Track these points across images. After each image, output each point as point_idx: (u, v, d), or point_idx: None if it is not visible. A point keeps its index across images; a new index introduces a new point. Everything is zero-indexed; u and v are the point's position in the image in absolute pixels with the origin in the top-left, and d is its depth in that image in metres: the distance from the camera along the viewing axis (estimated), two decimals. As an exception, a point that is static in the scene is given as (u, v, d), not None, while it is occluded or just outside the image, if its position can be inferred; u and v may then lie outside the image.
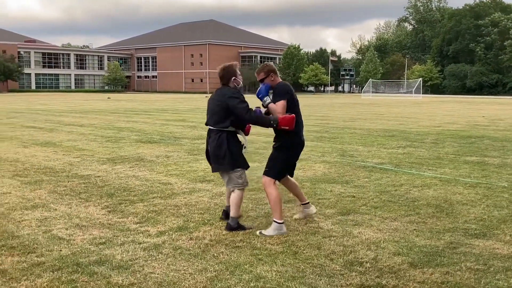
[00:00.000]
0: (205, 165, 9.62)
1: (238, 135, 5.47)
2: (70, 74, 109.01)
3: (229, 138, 5.30)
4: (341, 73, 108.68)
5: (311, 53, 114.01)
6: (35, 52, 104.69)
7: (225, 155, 5.27)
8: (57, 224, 5.60)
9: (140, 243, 4.90)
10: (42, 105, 37.33)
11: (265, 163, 5.54)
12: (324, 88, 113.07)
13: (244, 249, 4.74)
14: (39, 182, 7.97)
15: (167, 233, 5.24)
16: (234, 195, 5.37)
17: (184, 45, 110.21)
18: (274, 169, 5.39)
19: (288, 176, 5.72)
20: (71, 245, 4.86)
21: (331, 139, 14.46)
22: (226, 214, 5.66)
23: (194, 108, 33.93)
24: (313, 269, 4.25)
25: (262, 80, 5.37)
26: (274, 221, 5.23)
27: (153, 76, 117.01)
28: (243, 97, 5.26)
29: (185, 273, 4.13)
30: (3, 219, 5.78)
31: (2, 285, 3.88)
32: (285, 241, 5.00)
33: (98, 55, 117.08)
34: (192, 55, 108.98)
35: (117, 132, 16.49)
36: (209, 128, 5.42)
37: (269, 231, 5.20)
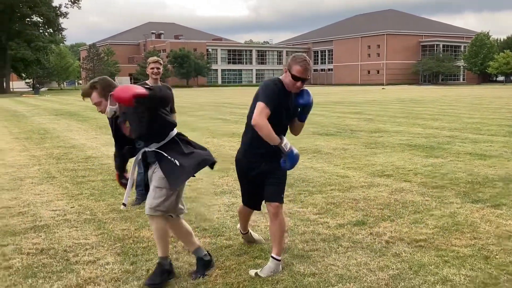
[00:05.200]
0: (383, 159, 9.39)
1: None
2: (251, 69, 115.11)
3: None
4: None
5: (501, 40, 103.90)
6: (221, 49, 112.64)
7: None
8: (243, 210, 5.94)
9: (320, 234, 4.97)
10: (226, 99, 40.06)
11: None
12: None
13: (428, 249, 4.51)
14: (226, 170, 8.54)
15: (346, 226, 5.23)
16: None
17: (361, 37, 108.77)
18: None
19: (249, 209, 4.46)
20: (255, 230, 5.12)
21: (527, 134, 13.00)
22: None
23: (371, 101, 33.32)
24: (508, 277, 3.86)
25: (305, 81, 3.98)
26: (273, 257, 4.05)
27: (329, 69, 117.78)
28: None
29: (366, 269, 4.07)
30: (196, 202, 6.33)
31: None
32: (473, 244, 4.63)
33: (277, 50, 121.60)
34: (369, 47, 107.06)
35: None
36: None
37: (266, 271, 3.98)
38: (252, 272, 3.99)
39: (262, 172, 4.07)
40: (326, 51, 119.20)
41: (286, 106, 4.01)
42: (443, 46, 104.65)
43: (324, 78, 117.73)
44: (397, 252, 4.45)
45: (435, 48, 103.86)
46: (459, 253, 4.38)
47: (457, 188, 6.88)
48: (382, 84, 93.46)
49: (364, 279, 3.86)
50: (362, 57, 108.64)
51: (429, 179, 7.53)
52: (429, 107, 25.07)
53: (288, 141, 3.95)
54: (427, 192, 6.70)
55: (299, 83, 3.90)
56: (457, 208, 5.87)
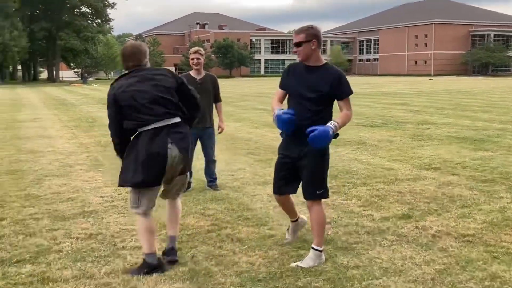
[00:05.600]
0: (430, 151, 9.18)
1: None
2: (295, 60, 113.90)
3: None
4: None
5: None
6: (265, 39, 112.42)
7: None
8: (286, 201, 5.94)
9: (364, 227, 4.91)
10: (269, 89, 40.02)
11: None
12: None
13: (476, 245, 4.38)
14: (269, 160, 8.55)
15: (391, 219, 5.15)
16: (180, 203, 4.30)
17: (408, 26, 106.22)
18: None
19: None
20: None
21: None
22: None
23: (417, 92, 32.58)
24: (562, 276, 3.71)
25: (299, 45, 3.95)
26: (313, 248, 4.05)
27: (374, 59, 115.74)
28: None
29: (411, 263, 3.99)
30: (239, 192, 6.38)
31: (239, 252, 4.28)
32: (525, 240, 4.47)
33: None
34: (416, 36, 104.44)
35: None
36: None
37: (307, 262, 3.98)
38: (293, 264, 3.97)
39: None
40: (372, 40, 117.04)
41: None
42: (494, 35, 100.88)
43: (369, 68, 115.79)
44: (444, 246, 4.35)
45: (486, 38, 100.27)
46: (510, 250, 4.24)
47: (507, 183, 6.66)
48: (429, 75, 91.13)
49: (409, 273, 3.79)
50: (409, 47, 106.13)
51: (478, 172, 7.32)
52: (479, 99, 24.30)
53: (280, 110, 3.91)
54: (475, 186, 6.51)
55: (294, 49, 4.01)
56: (507, 203, 5.68)
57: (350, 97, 4.06)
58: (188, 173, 4.27)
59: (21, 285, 3.66)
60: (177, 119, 3.93)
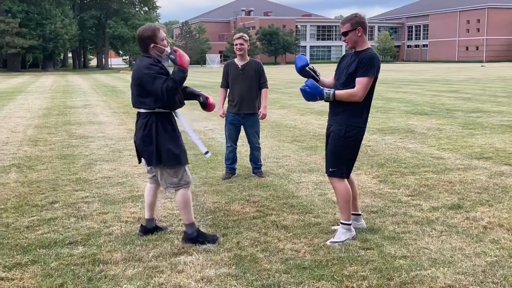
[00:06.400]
0: (482, 140, 8.88)
1: (177, 119, 4.33)
2: (341, 46, 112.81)
3: (158, 124, 4.14)
4: None
5: None
6: (310, 25, 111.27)
7: (151, 146, 4.16)
8: (331, 189, 5.83)
9: (412, 216, 4.81)
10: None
11: None
12: None
13: (530, 237, 4.22)
14: (314, 148, 8.50)
15: (440, 210, 5.02)
16: (179, 197, 4.22)
17: (459, 11, 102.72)
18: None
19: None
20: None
21: None
22: (144, 229, 4.45)
23: (469, 79, 31.54)
24: None
25: (345, 34, 4.09)
26: (341, 222, 4.25)
27: (423, 45, 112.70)
28: (162, 69, 4.00)
29: (461, 254, 3.89)
30: (285, 179, 6.37)
31: (284, 239, 4.28)
32: None
33: (368, 26, 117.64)
34: (468, 21, 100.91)
35: (386, 102, 16.44)
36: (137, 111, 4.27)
37: (338, 236, 4.19)
38: (328, 242, 4.14)
39: None
40: (421, 26, 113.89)
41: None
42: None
43: (418, 54, 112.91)
44: (496, 238, 4.21)
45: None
46: None
47: None
48: (481, 61, 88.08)
49: (459, 264, 3.69)
50: (460, 33, 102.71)
51: (533, 163, 7.03)
52: (534, 86, 23.28)
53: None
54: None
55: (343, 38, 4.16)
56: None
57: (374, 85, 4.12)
58: (166, 167, 4.19)
59: (73, 266, 3.78)
60: (141, 110, 4.17)
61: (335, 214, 4.93)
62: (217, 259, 3.86)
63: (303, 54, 4.19)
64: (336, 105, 4.13)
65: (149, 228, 4.46)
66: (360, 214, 4.55)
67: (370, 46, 4.12)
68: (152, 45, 4.03)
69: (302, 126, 11.25)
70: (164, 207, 5.26)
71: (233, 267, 3.73)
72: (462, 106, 14.88)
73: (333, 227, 4.47)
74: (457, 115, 12.70)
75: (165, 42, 4.08)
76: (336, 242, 4.12)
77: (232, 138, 6.53)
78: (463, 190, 5.73)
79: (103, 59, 79.34)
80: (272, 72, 47.32)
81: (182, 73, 4.00)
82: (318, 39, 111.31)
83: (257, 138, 6.55)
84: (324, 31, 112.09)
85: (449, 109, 13.99)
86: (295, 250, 4.02)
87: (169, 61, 4.07)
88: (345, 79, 4.09)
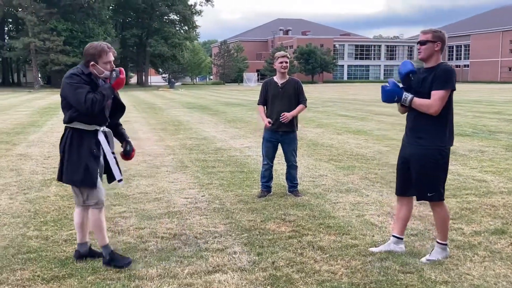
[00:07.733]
0: (527, 163, 8.57)
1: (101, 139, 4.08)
2: (379, 65, 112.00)
3: (73, 139, 3.97)
4: None
5: None
6: (348, 44, 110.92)
7: (61, 162, 4.03)
8: (369, 210, 5.78)
9: (453, 240, 4.65)
10: (352, 95, 39.41)
11: None
12: None
13: None
14: (352, 167, 8.38)
15: (483, 234, 4.84)
16: (90, 217, 4.08)
17: (502, 31, 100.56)
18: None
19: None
20: (383, 232, 4.94)
21: None
22: (78, 254, 4.23)
23: (512, 100, 30.69)
24: None
25: (423, 43, 4.04)
26: (437, 242, 4.29)
27: (464, 65, 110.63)
28: (83, 80, 3.87)
29: (506, 281, 3.72)
30: (321, 199, 6.28)
31: (321, 260, 4.20)
32: None
33: (408, 45, 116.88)
34: (511, 41, 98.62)
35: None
36: None
37: (434, 255, 4.22)
38: (423, 259, 4.15)
39: None
40: (462, 46, 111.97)
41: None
42: None
43: (459, 74, 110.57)
44: (544, 266, 4.02)
45: None
46: None
47: None
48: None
49: (504, 293, 3.54)
50: (503, 53, 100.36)
51: None
52: None
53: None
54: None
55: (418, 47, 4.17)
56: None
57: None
58: (69, 184, 4.12)
59: (109, 281, 3.81)
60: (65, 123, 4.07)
61: (373, 236, 4.82)
62: (251, 279, 3.82)
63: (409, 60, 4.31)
64: (418, 129, 4.14)
65: (82, 253, 4.22)
66: (402, 238, 4.44)
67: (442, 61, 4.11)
68: (92, 63, 3.97)
69: (339, 145, 11.13)
70: (200, 223, 5.26)
71: (268, 287, 3.67)
72: (505, 127, 14.46)
73: (370, 249, 4.40)
74: (500, 136, 12.34)
75: (108, 66, 3.99)
76: (431, 260, 4.13)
77: (269, 156, 6.52)
78: (507, 214, 5.52)
79: (143, 77, 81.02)
80: (309, 91, 47.20)
81: (111, 92, 4.02)
82: (356, 58, 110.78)
83: (295, 156, 6.51)
84: (363, 50, 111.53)
85: (491, 131, 13.62)
86: (331, 272, 3.94)
87: (110, 74, 4.01)
88: (426, 91, 4.03)
